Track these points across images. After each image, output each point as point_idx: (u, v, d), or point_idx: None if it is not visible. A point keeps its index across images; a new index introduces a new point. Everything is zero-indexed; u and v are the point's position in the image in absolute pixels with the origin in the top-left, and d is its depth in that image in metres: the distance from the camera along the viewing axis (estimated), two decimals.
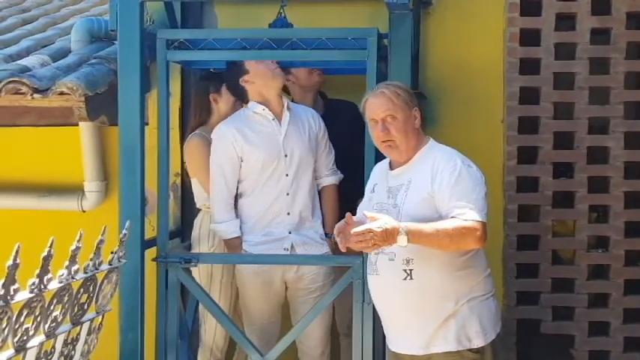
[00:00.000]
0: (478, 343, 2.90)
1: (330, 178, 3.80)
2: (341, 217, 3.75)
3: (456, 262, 2.87)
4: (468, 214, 2.78)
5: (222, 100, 3.86)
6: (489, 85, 4.07)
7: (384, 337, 3.20)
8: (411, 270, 2.87)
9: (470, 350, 2.89)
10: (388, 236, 2.68)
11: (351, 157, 3.70)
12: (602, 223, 4.04)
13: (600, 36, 3.97)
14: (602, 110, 3.96)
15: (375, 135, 3.03)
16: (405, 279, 2.88)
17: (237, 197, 3.69)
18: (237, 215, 3.67)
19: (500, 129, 4.04)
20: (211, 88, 3.87)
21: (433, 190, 2.87)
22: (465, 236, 2.76)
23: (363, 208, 3.11)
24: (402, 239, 2.70)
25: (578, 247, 3.97)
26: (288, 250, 3.64)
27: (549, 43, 3.95)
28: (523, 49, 3.97)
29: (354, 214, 3.70)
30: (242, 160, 3.63)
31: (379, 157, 3.33)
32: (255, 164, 3.63)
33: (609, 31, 3.94)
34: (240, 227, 3.66)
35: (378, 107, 2.99)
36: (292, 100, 3.93)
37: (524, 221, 4.01)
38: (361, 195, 3.34)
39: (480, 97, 4.09)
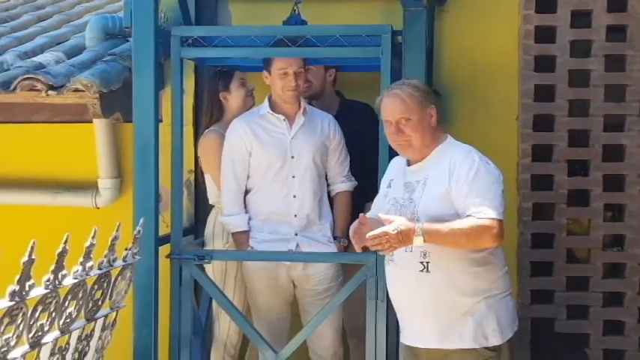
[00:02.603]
0: (495, 341, 2.89)
1: (344, 185, 3.81)
2: (353, 221, 3.79)
3: (473, 258, 2.87)
4: (484, 212, 2.78)
5: (232, 98, 3.88)
6: (504, 83, 4.05)
7: (397, 334, 3.20)
8: (427, 262, 2.88)
9: (487, 348, 2.89)
10: (404, 238, 2.72)
11: (363, 157, 3.70)
12: (618, 221, 4.01)
13: (616, 33, 3.94)
14: (617, 108, 3.93)
15: (388, 135, 3.04)
16: (421, 271, 2.89)
17: (247, 193, 3.71)
18: (247, 210, 3.69)
19: (515, 126, 4.02)
20: (220, 86, 3.88)
21: (450, 186, 2.87)
22: (482, 234, 2.77)
23: (379, 203, 3.12)
24: (419, 239, 2.74)
25: (593, 246, 3.94)
26: (292, 250, 3.66)
27: (564, 41, 3.92)
28: (538, 47, 3.94)
29: (367, 212, 3.72)
30: (250, 155, 3.65)
31: (393, 158, 3.33)
32: (261, 161, 3.66)
33: (625, 28, 3.91)
34: (249, 223, 3.67)
35: (393, 109, 2.99)
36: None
37: (538, 219, 3.98)
38: (373, 196, 3.34)
39: (495, 94, 4.08)
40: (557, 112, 3.95)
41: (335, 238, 3.74)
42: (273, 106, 3.70)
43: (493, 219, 2.78)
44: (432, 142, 3.00)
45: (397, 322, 3.16)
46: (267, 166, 3.66)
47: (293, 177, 3.66)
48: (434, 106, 3.02)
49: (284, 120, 3.68)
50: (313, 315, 3.63)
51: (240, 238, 3.69)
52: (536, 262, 3.96)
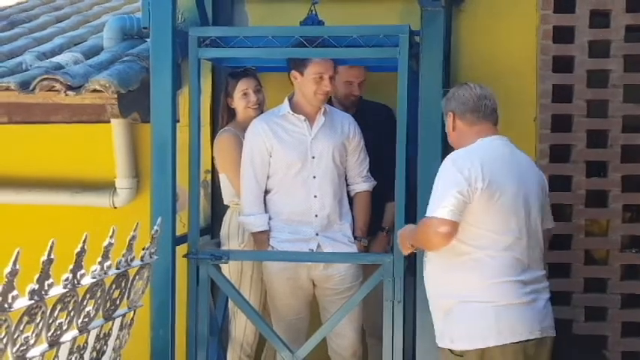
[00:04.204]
0: (460, 346, 2.88)
1: (364, 185, 3.80)
2: (372, 221, 3.79)
3: (451, 262, 2.90)
4: (428, 211, 2.87)
5: (235, 105, 3.87)
6: (522, 83, 4.04)
7: (414, 336, 3.20)
8: (426, 262, 3.05)
9: (451, 350, 2.92)
10: (401, 240, 3.14)
11: (380, 158, 3.69)
12: (636, 222, 3.99)
13: (635, 33, 3.91)
14: (636, 108, 3.91)
15: None
16: (424, 269, 3.06)
17: (267, 193, 3.71)
18: (267, 210, 3.69)
19: (533, 127, 4.01)
20: (229, 90, 3.87)
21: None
22: (423, 232, 2.91)
23: None
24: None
25: (612, 247, 3.92)
26: (313, 250, 3.66)
27: (583, 41, 3.90)
28: (556, 47, 3.92)
29: (382, 213, 3.77)
30: (270, 156, 3.65)
31: (410, 159, 3.34)
32: (281, 162, 3.65)
33: None
34: (269, 223, 3.67)
35: None
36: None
37: (556, 220, 3.94)
38: (392, 196, 3.38)
39: (513, 94, 4.05)
40: (575, 113, 3.93)
41: (355, 238, 3.74)
42: (293, 107, 3.69)
43: (431, 217, 2.83)
44: (462, 145, 3.03)
45: (414, 323, 3.20)
46: (288, 166, 3.66)
47: (314, 177, 3.66)
48: (451, 113, 3.08)
49: (304, 120, 3.68)
50: (333, 314, 3.62)
51: (260, 237, 3.69)
52: (554, 264, 3.93)
